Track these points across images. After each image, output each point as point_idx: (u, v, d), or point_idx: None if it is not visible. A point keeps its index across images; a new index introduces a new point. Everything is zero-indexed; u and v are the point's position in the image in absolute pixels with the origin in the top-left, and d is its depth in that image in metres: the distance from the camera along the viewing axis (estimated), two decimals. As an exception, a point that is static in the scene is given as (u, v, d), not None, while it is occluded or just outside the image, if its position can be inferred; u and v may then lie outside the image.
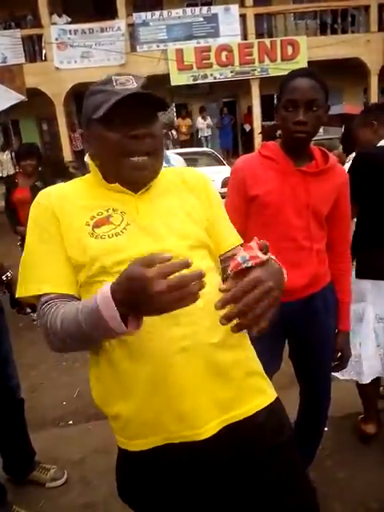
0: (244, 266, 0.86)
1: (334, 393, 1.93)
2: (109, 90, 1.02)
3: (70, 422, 2.82)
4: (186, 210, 1.12)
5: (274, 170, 1.63)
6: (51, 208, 1.06)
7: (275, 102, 1.59)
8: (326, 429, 2.05)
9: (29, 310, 2.14)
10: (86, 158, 1.16)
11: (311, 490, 1.15)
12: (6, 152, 11.70)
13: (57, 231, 1.05)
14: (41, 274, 1.03)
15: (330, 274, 1.77)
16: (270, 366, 1.78)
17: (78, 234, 1.03)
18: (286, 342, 1.87)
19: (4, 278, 2.03)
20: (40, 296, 1.03)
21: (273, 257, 0.94)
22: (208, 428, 1.00)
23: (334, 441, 2.31)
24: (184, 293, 0.77)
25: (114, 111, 0.99)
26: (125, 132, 1.01)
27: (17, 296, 1.08)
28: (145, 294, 0.76)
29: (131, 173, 1.04)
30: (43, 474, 2.24)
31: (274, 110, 1.65)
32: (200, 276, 0.77)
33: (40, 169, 4.27)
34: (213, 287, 0.96)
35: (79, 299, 1.04)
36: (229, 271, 0.88)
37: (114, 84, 1.03)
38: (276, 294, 0.86)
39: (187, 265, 0.77)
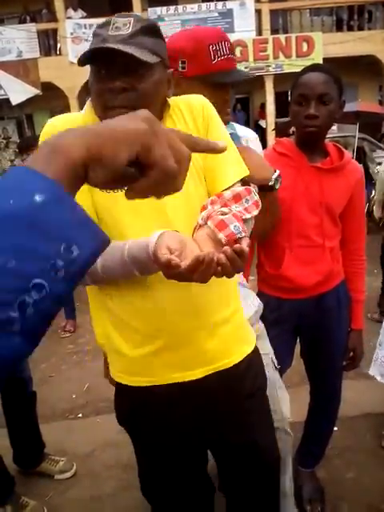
0: (238, 236, 0.86)
1: (344, 393, 1.92)
2: (101, 35, 0.97)
3: (80, 415, 2.84)
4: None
5: (288, 167, 1.61)
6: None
7: (289, 98, 1.58)
8: (335, 428, 2.03)
9: None
10: (86, 106, 1.12)
11: (273, 432, 1.31)
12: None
13: None
14: None
15: (343, 272, 1.76)
16: (282, 363, 1.78)
17: None
18: (298, 339, 1.86)
19: None
20: None
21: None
22: (194, 373, 1.12)
23: (344, 441, 2.29)
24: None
25: (98, 60, 0.96)
26: (106, 84, 0.97)
27: None
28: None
29: None
30: (52, 466, 2.26)
31: (287, 106, 1.63)
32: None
33: None
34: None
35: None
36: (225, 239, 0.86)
37: (110, 27, 0.96)
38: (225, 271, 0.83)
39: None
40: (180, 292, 1.06)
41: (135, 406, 1.18)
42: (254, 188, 0.99)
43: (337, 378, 1.87)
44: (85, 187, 0.56)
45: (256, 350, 1.23)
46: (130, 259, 0.96)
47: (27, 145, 3.94)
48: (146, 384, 1.13)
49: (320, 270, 1.66)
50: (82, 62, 0.98)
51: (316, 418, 1.99)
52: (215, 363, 1.13)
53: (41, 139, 1.07)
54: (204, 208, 0.95)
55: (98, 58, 0.96)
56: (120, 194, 0.83)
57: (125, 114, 0.72)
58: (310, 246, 1.64)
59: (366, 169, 6.66)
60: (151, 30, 0.98)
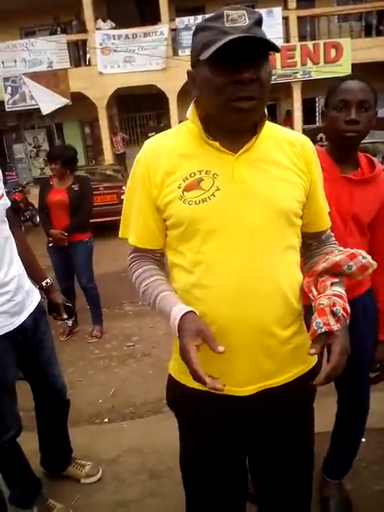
0: (319, 332, 1.05)
1: (372, 404, 1.89)
2: (217, 28, 0.97)
3: (106, 420, 2.86)
4: (286, 178, 1.11)
5: None
6: (146, 164, 1.12)
7: (317, 105, 1.59)
8: (363, 440, 1.99)
9: (65, 316, 2.11)
10: (189, 110, 1.12)
11: (313, 444, 1.31)
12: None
13: (147, 188, 1.12)
14: (131, 223, 1.19)
15: (369, 281, 1.74)
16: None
17: (171, 194, 1.08)
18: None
19: (44, 284, 2.04)
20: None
21: (340, 309, 1.08)
22: (247, 389, 1.12)
23: (372, 453, 2.24)
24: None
25: (219, 52, 0.94)
26: (230, 77, 0.97)
27: (120, 235, 1.24)
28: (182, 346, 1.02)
29: (233, 116, 1.01)
30: (79, 470, 2.28)
31: (314, 113, 1.65)
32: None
33: (76, 173, 4.14)
34: (289, 267, 1.12)
35: (160, 253, 1.22)
36: (310, 336, 1.08)
37: (225, 20, 0.96)
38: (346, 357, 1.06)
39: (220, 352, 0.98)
40: (242, 310, 1.07)
41: (185, 399, 1.22)
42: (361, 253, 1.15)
43: (364, 386, 1.84)
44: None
45: (314, 368, 1.22)
46: (158, 303, 1.13)
47: (55, 155, 3.96)
48: (204, 389, 1.13)
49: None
50: (214, 54, 0.95)
51: (343, 427, 1.96)
52: (267, 381, 1.14)
53: (134, 163, 1.17)
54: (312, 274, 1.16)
55: (224, 50, 0.94)
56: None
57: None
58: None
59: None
60: (261, 22, 1.00)
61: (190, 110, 1.12)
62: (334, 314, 1.05)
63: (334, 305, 1.06)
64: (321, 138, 9.94)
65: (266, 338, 1.10)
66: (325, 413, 1.87)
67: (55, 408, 2.16)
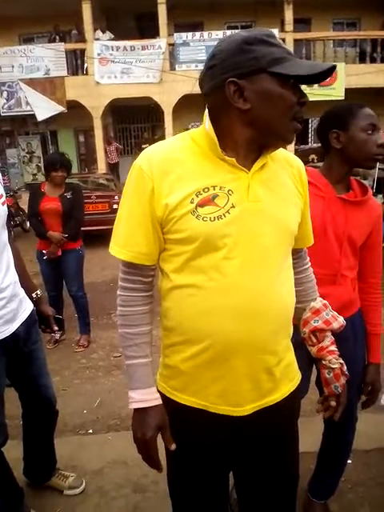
0: (336, 393, 1.33)
1: (360, 425, 1.90)
2: (282, 47, 1.02)
3: (90, 431, 2.84)
4: (290, 199, 1.14)
5: (316, 196, 1.64)
6: (150, 179, 1.04)
7: (310, 126, 1.63)
8: (349, 461, 2.00)
9: (56, 328, 2.09)
10: (207, 123, 1.06)
11: (298, 453, 1.33)
12: None
13: (151, 201, 1.05)
14: (128, 238, 1.10)
15: (359, 302, 1.77)
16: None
17: (182, 208, 1.03)
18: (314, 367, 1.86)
19: (34, 295, 2.01)
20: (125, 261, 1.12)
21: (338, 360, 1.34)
22: (245, 409, 1.13)
23: (358, 475, 2.25)
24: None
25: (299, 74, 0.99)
26: (299, 97, 1.02)
27: (111, 252, 1.12)
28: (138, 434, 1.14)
29: (291, 135, 1.05)
30: (62, 481, 2.25)
31: (307, 134, 1.69)
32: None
33: (67, 181, 4.09)
34: (290, 286, 1.16)
35: (153, 269, 1.15)
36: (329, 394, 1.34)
37: (277, 40, 1.03)
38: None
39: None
40: (250, 326, 1.07)
41: (175, 416, 1.18)
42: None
43: (351, 407, 1.85)
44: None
45: (298, 387, 1.25)
46: (127, 365, 1.17)
47: (61, 161, 3.89)
48: (199, 407, 1.14)
49: (340, 298, 1.67)
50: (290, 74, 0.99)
51: (329, 449, 1.96)
52: (264, 400, 1.15)
53: (133, 169, 1.09)
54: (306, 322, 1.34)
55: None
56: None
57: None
58: (333, 275, 1.65)
59: (386, 200, 6.64)
60: None
61: (209, 124, 1.06)
62: (344, 374, 1.32)
63: (343, 365, 1.31)
64: (312, 159, 10.08)
65: (268, 356, 1.11)
66: (311, 432, 1.88)
67: (44, 418, 2.13)
